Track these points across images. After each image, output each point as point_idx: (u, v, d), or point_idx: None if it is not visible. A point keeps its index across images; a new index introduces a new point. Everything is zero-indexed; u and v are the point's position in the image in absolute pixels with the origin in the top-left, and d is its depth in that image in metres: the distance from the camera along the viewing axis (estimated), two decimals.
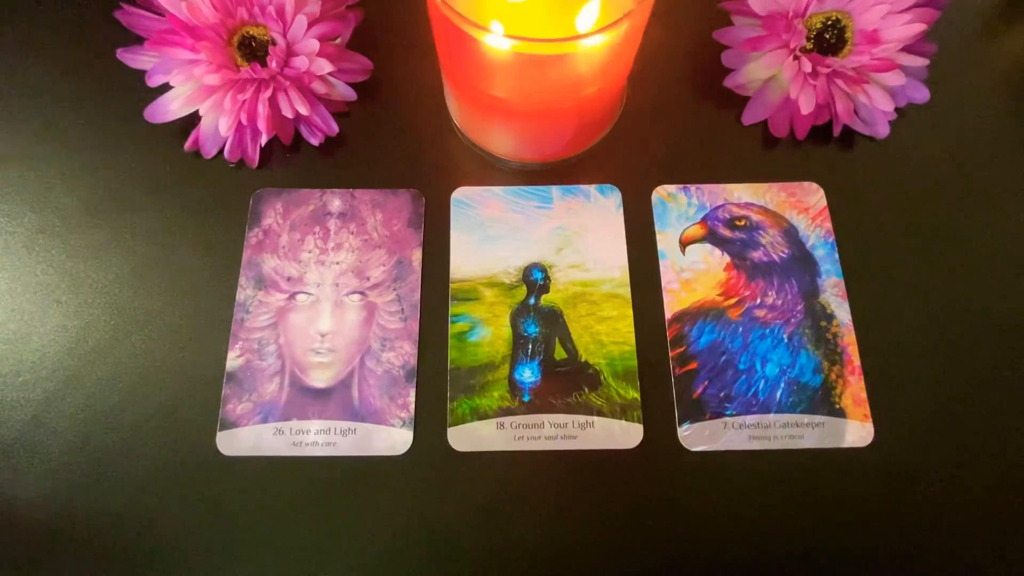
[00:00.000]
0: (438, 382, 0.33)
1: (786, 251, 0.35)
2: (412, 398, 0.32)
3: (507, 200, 0.36)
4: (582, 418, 0.32)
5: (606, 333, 0.33)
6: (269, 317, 0.34)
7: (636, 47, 0.32)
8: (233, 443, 0.32)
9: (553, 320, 0.34)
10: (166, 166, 0.37)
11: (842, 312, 0.34)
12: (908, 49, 0.35)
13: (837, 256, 0.35)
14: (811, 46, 0.36)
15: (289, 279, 0.35)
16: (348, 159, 0.37)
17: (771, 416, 0.32)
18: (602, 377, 0.33)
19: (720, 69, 0.37)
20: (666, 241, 0.35)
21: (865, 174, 0.37)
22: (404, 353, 0.33)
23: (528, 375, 0.33)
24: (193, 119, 0.36)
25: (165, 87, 0.36)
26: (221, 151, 0.36)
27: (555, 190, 0.37)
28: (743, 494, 0.31)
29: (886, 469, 0.31)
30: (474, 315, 0.34)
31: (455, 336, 0.33)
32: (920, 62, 0.35)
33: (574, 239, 0.35)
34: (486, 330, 0.34)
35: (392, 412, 0.32)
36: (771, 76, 0.37)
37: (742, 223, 0.36)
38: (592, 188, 0.37)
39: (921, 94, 0.36)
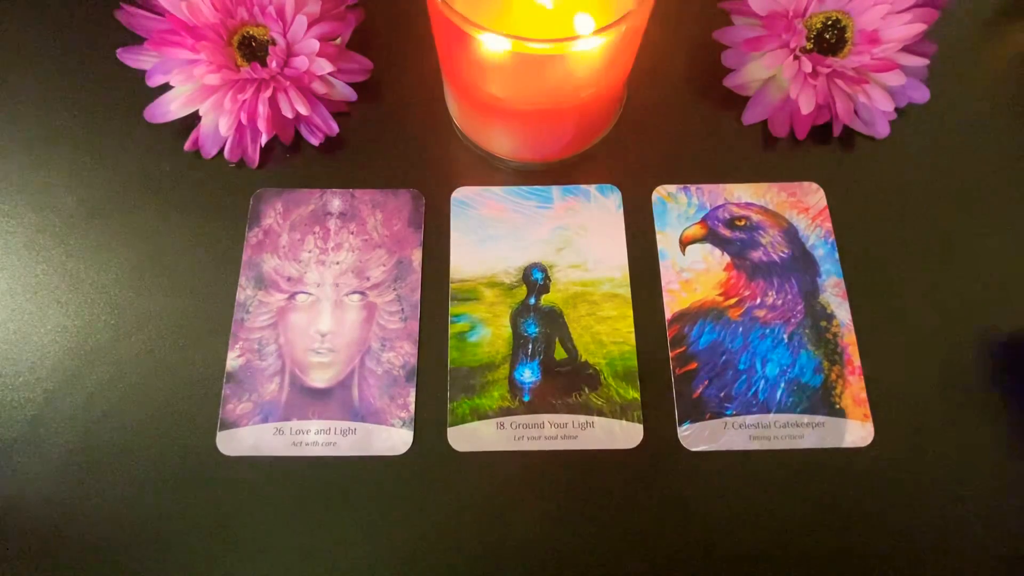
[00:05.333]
0: (438, 382, 0.33)
1: (786, 251, 0.35)
2: (412, 398, 0.32)
3: (507, 200, 0.36)
4: (582, 418, 0.32)
5: (606, 333, 0.33)
6: (269, 317, 0.34)
7: (636, 47, 0.32)
8: (233, 443, 0.32)
9: (553, 320, 0.34)
10: (166, 166, 0.37)
11: (842, 312, 0.34)
12: (908, 49, 0.35)
13: (837, 256, 0.35)
14: (811, 46, 0.36)
15: (289, 279, 0.35)
16: (348, 159, 0.37)
17: (771, 416, 0.32)
18: (602, 377, 0.33)
19: (720, 69, 0.37)
20: (666, 241, 0.35)
21: (865, 174, 0.37)
22: (404, 353, 0.33)
23: (528, 375, 0.33)
24: (193, 119, 0.36)
25: (165, 87, 0.36)
26: (221, 151, 0.36)
27: (555, 190, 0.37)
28: (743, 494, 0.31)
29: (886, 469, 0.31)
30: (474, 315, 0.34)
31: (455, 336, 0.33)
32: (920, 62, 0.35)
33: (574, 239, 0.35)
34: (486, 330, 0.34)
35: (392, 412, 0.32)
36: (771, 76, 0.37)
37: (742, 223, 0.36)
38: (592, 188, 0.37)
39: (921, 94, 0.36)
